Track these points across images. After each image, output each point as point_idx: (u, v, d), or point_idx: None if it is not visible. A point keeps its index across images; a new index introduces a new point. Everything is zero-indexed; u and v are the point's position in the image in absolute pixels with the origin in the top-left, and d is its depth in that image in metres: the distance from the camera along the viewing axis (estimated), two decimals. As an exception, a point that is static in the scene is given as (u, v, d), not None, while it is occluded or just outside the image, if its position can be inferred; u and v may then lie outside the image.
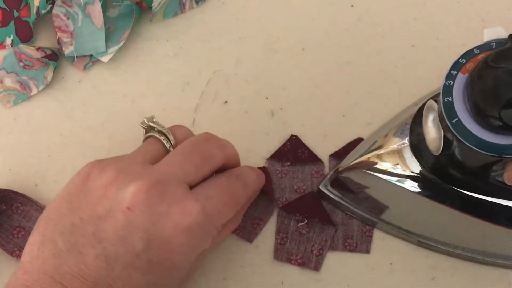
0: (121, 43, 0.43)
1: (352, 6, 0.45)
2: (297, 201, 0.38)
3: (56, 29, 0.43)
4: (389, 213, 0.37)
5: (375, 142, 0.36)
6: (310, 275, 0.37)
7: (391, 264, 0.37)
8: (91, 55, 0.43)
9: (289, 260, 0.37)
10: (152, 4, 0.42)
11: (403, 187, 0.33)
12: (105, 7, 0.43)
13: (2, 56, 0.43)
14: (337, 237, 0.38)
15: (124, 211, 0.28)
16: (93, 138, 0.41)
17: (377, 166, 0.34)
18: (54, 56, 0.43)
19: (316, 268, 0.37)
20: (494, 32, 0.28)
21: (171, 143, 0.33)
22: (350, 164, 0.36)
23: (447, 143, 0.28)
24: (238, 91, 0.42)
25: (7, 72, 0.42)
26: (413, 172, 0.33)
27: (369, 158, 0.35)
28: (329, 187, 0.38)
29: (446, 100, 0.27)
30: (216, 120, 0.42)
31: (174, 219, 0.29)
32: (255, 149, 0.40)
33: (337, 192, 0.38)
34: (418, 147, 0.32)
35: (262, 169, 0.39)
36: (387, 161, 0.34)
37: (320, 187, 0.38)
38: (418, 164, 0.32)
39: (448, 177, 0.32)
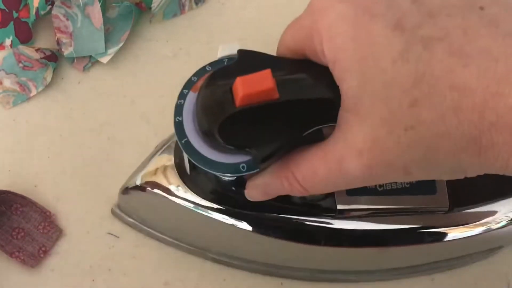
0: (121, 44, 0.42)
1: (352, 6, 0.44)
2: None
3: (56, 30, 0.43)
4: (174, 229, 0.37)
5: (155, 155, 0.36)
6: (310, 276, 0.37)
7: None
8: (90, 56, 0.43)
9: (288, 262, 0.37)
10: (152, 5, 0.42)
11: (176, 204, 0.33)
12: (104, 8, 0.43)
13: (1, 57, 0.43)
14: None
15: None
16: (92, 139, 0.41)
17: (152, 184, 0.34)
18: (53, 57, 0.43)
19: (316, 269, 0.37)
20: (228, 48, 0.27)
21: None
22: (129, 185, 0.35)
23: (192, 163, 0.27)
24: (238, 92, 0.42)
25: (7, 73, 0.42)
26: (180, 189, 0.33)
27: (145, 175, 0.34)
28: (120, 208, 0.38)
29: (177, 120, 0.26)
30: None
31: None
32: (254, 150, 0.40)
33: (128, 212, 0.38)
34: (181, 165, 0.32)
35: None
36: (158, 178, 0.33)
37: (112, 208, 0.39)
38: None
39: (208, 194, 0.32)
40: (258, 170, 0.25)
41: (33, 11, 0.42)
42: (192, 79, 0.27)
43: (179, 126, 0.26)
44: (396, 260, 0.35)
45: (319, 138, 0.24)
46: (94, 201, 0.40)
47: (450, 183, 0.31)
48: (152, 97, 0.42)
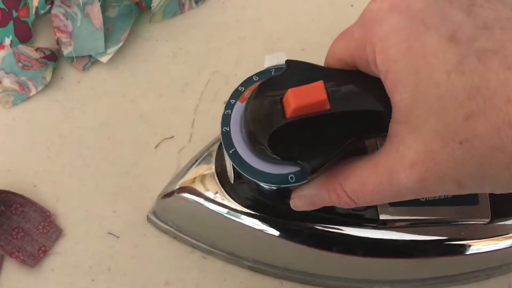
0: (120, 44, 0.42)
1: (352, 6, 0.44)
2: None
3: (55, 30, 0.42)
4: (212, 237, 0.37)
5: (194, 164, 0.36)
6: (310, 276, 0.37)
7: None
8: (90, 56, 0.43)
9: (288, 261, 0.37)
10: (152, 4, 0.42)
11: (216, 213, 0.33)
12: (104, 7, 0.43)
13: (1, 57, 0.43)
14: None
15: None
16: (92, 139, 0.41)
17: (192, 191, 0.34)
18: (53, 57, 0.42)
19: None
20: (275, 58, 0.27)
21: None
22: (169, 191, 0.35)
23: (238, 172, 0.26)
24: (238, 91, 0.42)
25: (6, 73, 0.42)
26: (222, 198, 0.33)
27: (185, 182, 0.34)
28: (156, 215, 0.38)
29: (224, 130, 0.26)
30: (215, 120, 0.41)
31: None
32: (254, 150, 0.40)
33: (164, 219, 0.38)
34: (222, 174, 0.32)
35: None
36: (198, 186, 0.34)
37: (148, 215, 0.38)
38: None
39: (250, 203, 0.32)
40: (306, 181, 0.25)
41: (33, 11, 0.42)
42: (239, 89, 0.27)
43: (226, 136, 0.26)
44: (434, 270, 0.35)
45: (363, 149, 0.25)
46: (94, 201, 0.39)
47: (492, 194, 0.31)
48: (152, 96, 0.42)
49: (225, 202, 0.32)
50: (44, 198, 0.39)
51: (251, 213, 0.32)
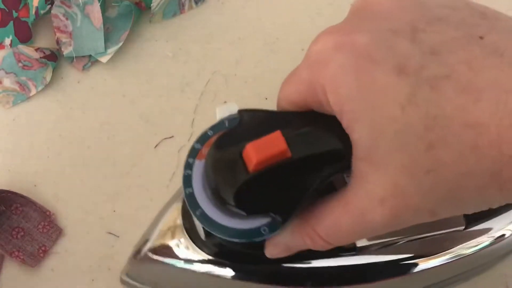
0: (120, 44, 0.42)
1: (352, 5, 0.44)
2: None
3: (55, 30, 0.43)
4: None
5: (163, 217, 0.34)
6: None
7: None
8: (90, 56, 0.43)
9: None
10: (151, 5, 0.42)
11: (191, 271, 0.32)
12: (104, 8, 0.43)
13: (1, 57, 0.43)
14: None
15: None
16: (92, 139, 0.41)
17: (164, 250, 0.32)
18: (53, 57, 0.43)
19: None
20: (226, 109, 0.26)
21: None
22: (139, 251, 0.33)
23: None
24: (238, 91, 0.42)
25: (6, 73, 0.42)
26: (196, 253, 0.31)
27: (155, 241, 0.33)
28: (129, 276, 0.36)
29: (188, 192, 0.25)
30: (215, 120, 0.41)
31: None
32: (254, 150, 0.40)
33: (139, 279, 0.36)
34: (192, 230, 0.31)
35: None
36: (168, 242, 0.32)
37: (121, 276, 0.36)
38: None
39: (225, 256, 0.31)
40: (279, 230, 0.24)
41: (33, 11, 0.42)
42: (196, 146, 0.26)
43: (190, 197, 0.25)
44: (420, 282, 0.35)
45: (332, 188, 0.24)
46: (94, 200, 0.40)
47: None
48: (152, 96, 0.42)
49: (198, 257, 0.31)
50: (44, 197, 0.40)
51: (227, 264, 0.31)
